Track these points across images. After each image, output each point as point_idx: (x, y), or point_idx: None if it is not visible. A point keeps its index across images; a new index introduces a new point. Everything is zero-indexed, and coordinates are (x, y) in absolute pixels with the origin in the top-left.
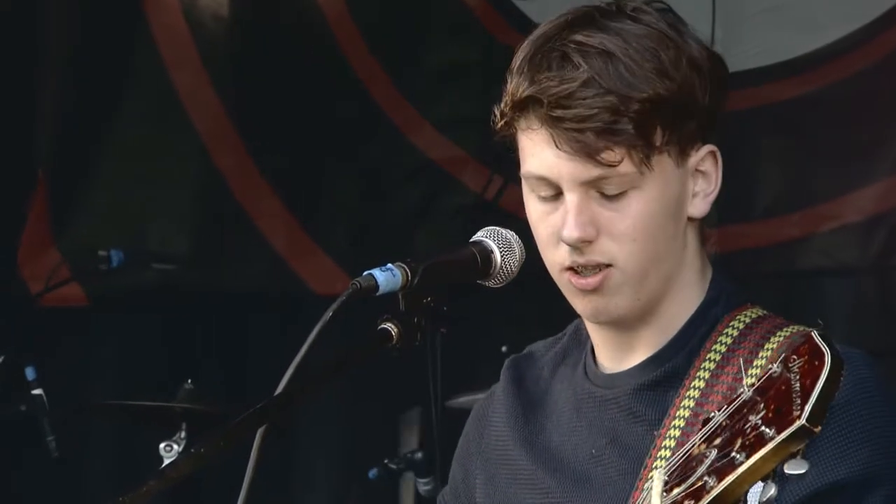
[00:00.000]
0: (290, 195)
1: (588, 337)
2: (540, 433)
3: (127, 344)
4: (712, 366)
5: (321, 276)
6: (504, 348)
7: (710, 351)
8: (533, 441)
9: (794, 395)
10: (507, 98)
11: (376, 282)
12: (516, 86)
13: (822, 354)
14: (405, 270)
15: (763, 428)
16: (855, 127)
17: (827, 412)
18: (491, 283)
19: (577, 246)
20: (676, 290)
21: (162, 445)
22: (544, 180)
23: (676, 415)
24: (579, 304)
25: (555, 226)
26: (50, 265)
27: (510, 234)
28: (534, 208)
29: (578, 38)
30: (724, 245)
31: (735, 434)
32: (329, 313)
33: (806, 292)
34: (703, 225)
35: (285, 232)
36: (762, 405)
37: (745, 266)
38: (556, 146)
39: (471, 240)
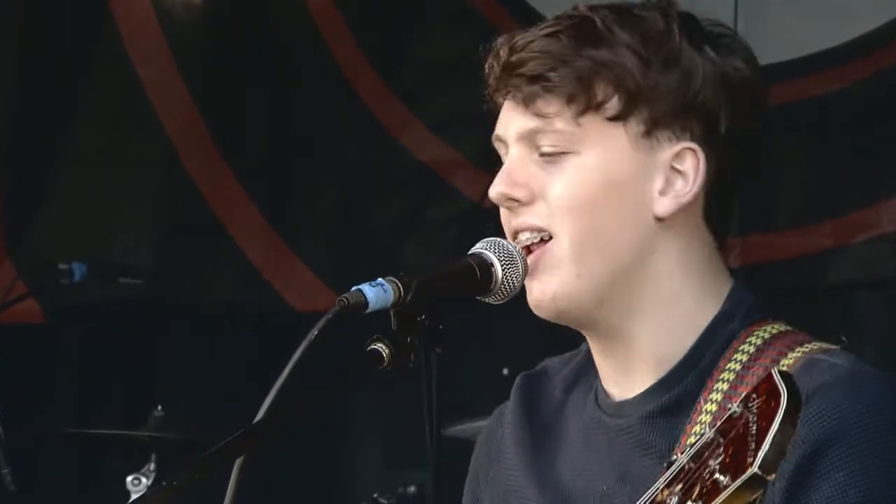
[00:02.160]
0: (268, 202)
1: None
2: (551, 467)
3: (89, 365)
4: (725, 386)
5: (301, 292)
6: (505, 371)
7: (724, 370)
8: (543, 475)
9: (749, 439)
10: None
11: (366, 298)
12: (498, 49)
13: (779, 394)
14: (397, 286)
15: (718, 475)
16: (890, 127)
17: (784, 455)
18: (491, 300)
19: (510, 206)
20: (663, 307)
21: (129, 478)
22: (499, 140)
23: (687, 442)
24: (529, 299)
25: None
26: (4, 280)
27: (512, 246)
28: None
29: (580, 6)
30: (746, 257)
31: (695, 480)
32: (314, 333)
33: (837, 308)
34: (714, 234)
35: (262, 242)
36: (721, 449)
37: (771, 280)
38: (505, 96)
39: (469, 252)
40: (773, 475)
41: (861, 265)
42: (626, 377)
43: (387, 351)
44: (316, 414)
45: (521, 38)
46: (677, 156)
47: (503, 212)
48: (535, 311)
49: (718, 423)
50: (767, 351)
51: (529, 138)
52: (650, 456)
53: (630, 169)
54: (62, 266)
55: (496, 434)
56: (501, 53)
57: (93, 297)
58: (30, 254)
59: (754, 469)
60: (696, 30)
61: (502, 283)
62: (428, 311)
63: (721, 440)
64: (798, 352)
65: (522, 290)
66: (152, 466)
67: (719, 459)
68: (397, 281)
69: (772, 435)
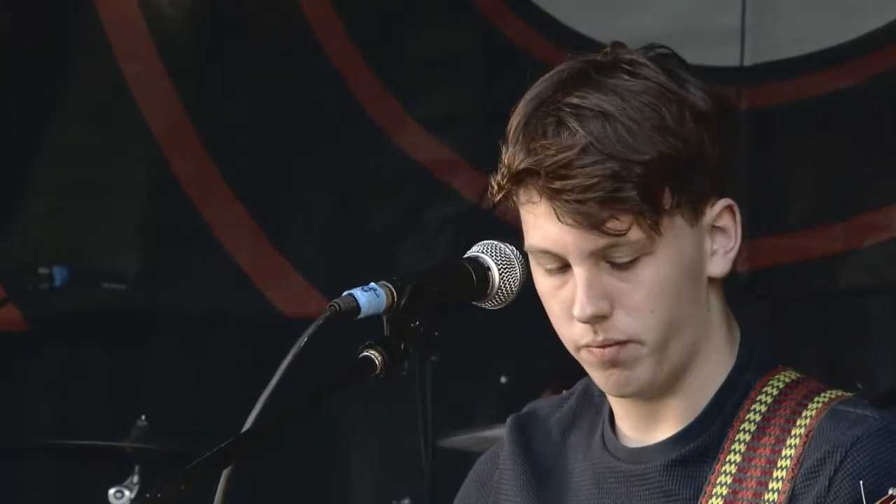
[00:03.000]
0: (257, 204)
1: (603, 401)
2: None
3: (71, 374)
4: (748, 437)
5: (292, 297)
6: (503, 379)
7: (744, 421)
8: None
9: None
10: (503, 169)
11: (358, 303)
12: (512, 156)
13: None
14: (390, 290)
15: None
16: None
17: None
18: (488, 305)
19: (592, 322)
20: (704, 357)
21: (112, 491)
22: (549, 254)
23: (713, 493)
24: (600, 377)
25: (566, 301)
26: None
27: (510, 250)
28: (542, 283)
29: (573, 100)
30: (754, 261)
31: None
32: (304, 339)
33: (848, 314)
34: (725, 284)
35: (251, 246)
36: None
37: (779, 285)
38: (559, 219)
39: (465, 255)
40: None
41: (872, 269)
42: (650, 425)
43: (379, 358)
44: (306, 424)
45: (556, 158)
46: (718, 215)
47: (578, 326)
48: (611, 393)
49: None
50: (785, 402)
51: (599, 253)
52: (672, 503)
53: (693, 249)
54: (42, 271)
55: (492, 476)
56: (538, 173)
57: (75, 303)
58: (9, 258)
59: None
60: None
61: (499, 287)
62: (422, 316)
63: None
64: (817, 402)
65: (520, 295)
66: (136, 479)
67: None
68: (390, 285)
69: None
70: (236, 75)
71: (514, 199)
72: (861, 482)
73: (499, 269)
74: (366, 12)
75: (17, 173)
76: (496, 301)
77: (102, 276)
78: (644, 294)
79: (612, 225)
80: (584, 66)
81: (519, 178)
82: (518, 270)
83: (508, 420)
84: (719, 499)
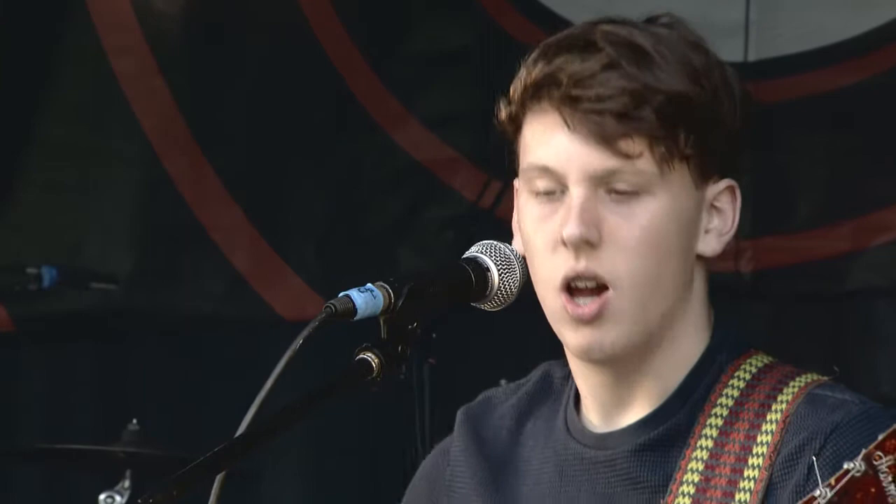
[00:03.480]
0: (253, 203)
1: (563, 386)
2: (516, 501)
3: (60, 376)
4: (720, 422)
5: (288, 298)
6: (503, 381)
7: (715, 405)
8: None
9: (889, 500)
10: (516, 83)
11: (354, 304)
12: (531, 68)
13: None
14: (387, 291)
15: None
16: None
17: None
18: (487, 307)
19: (579, 247)
20: (677, 334)
21: (102, 497)
22: (549, 172)
23: (684, 479)
24: (571, 337)
25: (553, 231)
26: None
27: (510, 250)
28: (529, 212)
29: (606, 28)
30: (759, 261)
31: None
32: (299, 341)
33: (855, 316)
34: (728, 284)
35: (246, 246)
36: None
37: (784, 285)
38: (570, 128)
39: (464, 256)
40: None
41: (880, 269)
42: (619, 408)
43: (376, 361)
44: (301, 427)
45: (580, 68)
46: (720, 193)
47: (561, 258)
48: (581, 356)
49: (835, 484)
50: (759, 386)
51: (603, 178)
52: (640, 491)
53: (693, 210)
54: (31, 270)
55: (443, 474)
56: (559, 81)
57: (64, 304)
58: None
59: None
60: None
61: (499, 289)
62: (420, 318)
63: (839, 501)
64: (793, 386)
65: (520, 295)
66: (127, 484)
67: None
68: (387, 286)
69: None
70: (230, 71)
71: (522, 117)
72: (814, 458)
73: (498, 270)
74: (365, 11)
75: (5, 171)
76: (495, 302)
77: (92, 277)
78: (637, 234)
79: (625, 145)
80: (619, 18)
81: (536, 89)
82: (518, 271)
83: (458, 412)
84: (690, 486)
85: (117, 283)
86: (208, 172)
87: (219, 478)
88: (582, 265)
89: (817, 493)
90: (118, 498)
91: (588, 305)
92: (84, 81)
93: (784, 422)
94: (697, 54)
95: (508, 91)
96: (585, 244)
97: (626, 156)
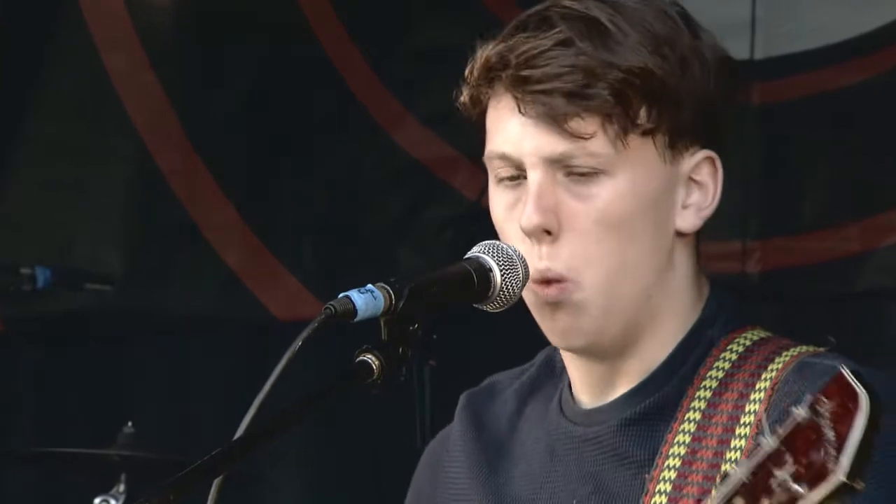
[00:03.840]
0: (247, 202)
1: (564, 368)
2: (508, 483)
3: (54, 378)
4: (708, 394)
5: (285, 300)
6: None
7: (705, 378)
8: (501, 494)
9: (825, 446)
10: (471, 65)
11: (354, 305)
12: (486, 50)
13: (856, 395)
14: (388, 292)
15: (792, 486)
16: None
17: (870, 460)
18: (490, 307)
19: (539, 237)
20: (663, 318)
21: (97, 501)
22: (507, 159)
23: (670, 453)
24: (547, 324)
25: (518, 220)
26: None
27: (512, 249)
28: (498, 202)
29: (564, 3)
30: (767, 262)
31: (759, 493)
32: (298, 343)
33: (865, 318)
34: (698, 241)
35: (241, 246)
36: (790, 458)
37: (793, 286)
38: (521, 112)
39: (465, 256)
40: (862, 483)
41: (891, 271)
42: (605, 386)
43: (377, 363)
44: (300, 430)
45: (529, 46)
46: (696, 166)
47: (525, 242)
48: (557, 343)
49: (781, 432)
50: (751, 357)
51: (558, 160)
52: (627, 467)
53: (660, 186)
54: (24, 271)
55: (442, 459)
56: (508, 61)
57: (58, 305)
58: None
59: (839, 476)
60: (684, 12)
61: (501, 289)
62: (421, 319)
63: (785, 450)
64: (785, 356)
65: (522, 296)
66: (122, 488)
67: (790, 470)
68: (388, 287)
69: (855, 439)
70: (224, 67)
71: (483, 102)
72: (764, 414)
73: (500, 270)
74: (363, 7)
75: None
76: (498, 303)
77: (86, 277)
78: (595, 218)
79: (576, 125)
80: None
81: (488, 71)
82: (520, 271)
83: (462, 397)
84: (677, 459)
85: (111, 284)
86: (201, 170)
87: (216, 482)
88: (543, 265)
89: (762, 441)
90: (113, 502)
91: (552, 288)
92: (76, 78)
93: (772, 389)
94: (661, 22)
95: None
96: (544, 233)
97: (578, 136)
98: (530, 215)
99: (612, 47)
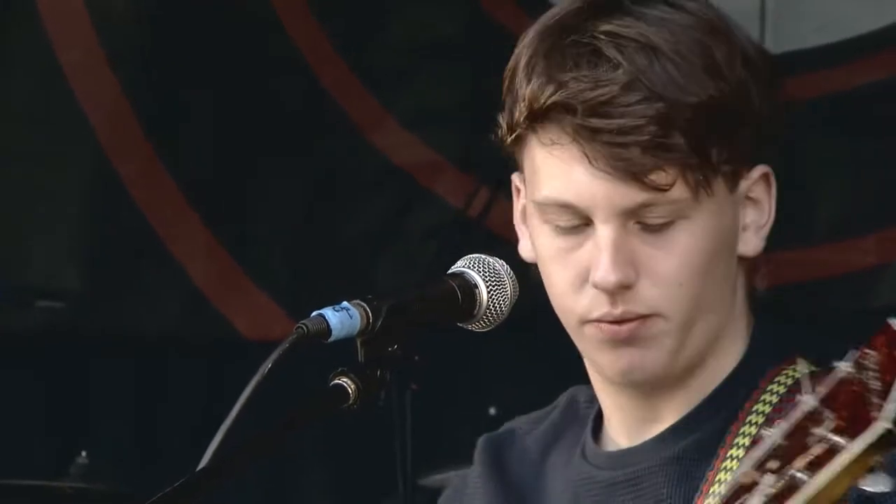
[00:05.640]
0: (214, 211)
1: (589, 412)
2: None
3: (1, 403)
4: (753, 430)
5: (254, 318)
6: (492, 410)
7: (750, 412)
8: None
9: (870, 396)
10: (520, 105)
11: (328, 324)
12: (535, 90)
13: None
14: (365, 310)
15: (833, 438)
16: None
17: None
18: (475, 327)
19: (613, 292)
20: (721, 346)
21: None
22: (570, 208)
23: (710, 492)
24: (607, 359)
25: (579, 267)
26: None
27: (499, 264)
28: (548, 244)
29: (610, 27)
30: (777, 276)
31: (795, 451)
32: (267, 365)
33: None
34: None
35: (207, 260)
36: (830, 414)
37: (805, 303)
38: (592, 164)
39: (449, 271)
40: None
41: None
42: (644, 423)
43: (353, 386)
44: (269, 459)
45: (594, 92)
46: (754, 183)
47: (588, 296)
48: (619, 379)
49: (825, 392)
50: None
51: (632, 213)
52: None
53: (730, 219)
54: None
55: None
56: (573, 107)
57: (6, 324)
58: None
59: (884, 422)
60: (724, 17)
61: (488, 307)
62: (401, 340)
63: (825, 408)
64: None
65: (511, 315)
66: None
67: (831, 425)
68: (365, 305)
69: None
70: (188, 65)
71: (528, 142)
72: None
73: (487, 287)
74: None
75: None
76: (484, 322)
77: (37, 294)
78: (676, 263)
79: (656, 177)
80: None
81: (545, 116)
82: (509, 288)
83: (480, 440)
84: (717, 498)
85: (65, 301)
86: (164, 177)
87: None
88: (619, 310)
89: (800, 400)
90: None
91: (629, 325)
92: (28, 77)
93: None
94: (716, 40)
95: (506, 106)
96: (621, 287)
97: (659, 189)
98: (608, 273)
99: (678, 81)
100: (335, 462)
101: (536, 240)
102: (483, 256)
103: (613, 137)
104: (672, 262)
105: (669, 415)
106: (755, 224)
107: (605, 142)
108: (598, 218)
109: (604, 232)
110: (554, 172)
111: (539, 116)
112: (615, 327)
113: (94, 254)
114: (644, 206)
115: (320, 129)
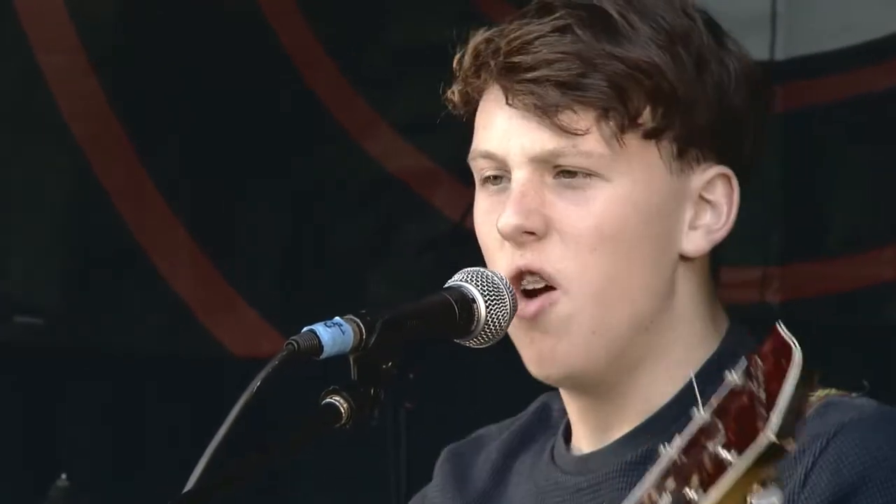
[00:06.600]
0: (200, 222)
1: (561, 417)
2: None
3: None
4: None
5: (242, 334)
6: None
7: None
8: None
9: (756, 408)
10: (461, 54)
11: (320, 341)
12: (476, 40)
13: (790, 349)
14: (358, 326)
15: (721, 453)
16: None
17: (802, 417)
18: (473, 343)
19: (520, 240)
20: (667, 353)
21: None
22: (490, 156)
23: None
24: (524, 350)
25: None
26: None
27: (498, 278)
28: (478, 204)
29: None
30: (789, 290)
31: (691, 469)
32: (256, 383)
33: None
34: (716, 268)
35: (193, 274)
36: (722, 427)
37: (819, 317)
38: (508, 103)
39: (446, 285)
40: (793, 444)
41: None
42: (605, 428)
43: (345, 405)
44: (258, 481)
45: (522, 31)
46: (709, 183)
47: (504, 248)
48: (534, 372)
49: (716, 404)
50: None
51: (546, 159)
52: None
53: (663, 199)
54: None
55: None
56: (498, 47)
57: None
58: None
59: (767, 435)
60: (707, 15)
61: (486, 323)
62: (395, 357)
63: (718, 421)
64: (812, 397)
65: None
66: None
67: (721, 440)
68: (358, 320)
69: (786, 395)
70: (173, 70)
71: (473, 100)
72: (692, 372)
73: (485, 301)
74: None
75: None
76: (482, 339)
77: (15, 308)
78: (590, 224)
79: (567, 119)
80: None
81: (476, 59)
82: (508, 302)
83: (443, 452)
84: None
85: (44, 316)
86: (148, 187)
87: None
88: (523, 259)
89: (695, 415)
90: None
91: (533, 301)
92: (6, 81)
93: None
94: (678, 18)
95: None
96: (527, 235)
97: (570, 132)
98: (510, 214)
99: (616, 39)
100: (328, 482)
101: (475, 212)
102: (481, 270)
103: (529, 73)
104: (586, 221)
105: (627, 421)
106: (707, 227)
107: (521, 79)
108: (512, 164)
109: (515, 177)
110: (482, 123)
111: (472, 61)
112: (524, 304)
113: (74, 267)
114: (555, 152)
115: (311, 137)
